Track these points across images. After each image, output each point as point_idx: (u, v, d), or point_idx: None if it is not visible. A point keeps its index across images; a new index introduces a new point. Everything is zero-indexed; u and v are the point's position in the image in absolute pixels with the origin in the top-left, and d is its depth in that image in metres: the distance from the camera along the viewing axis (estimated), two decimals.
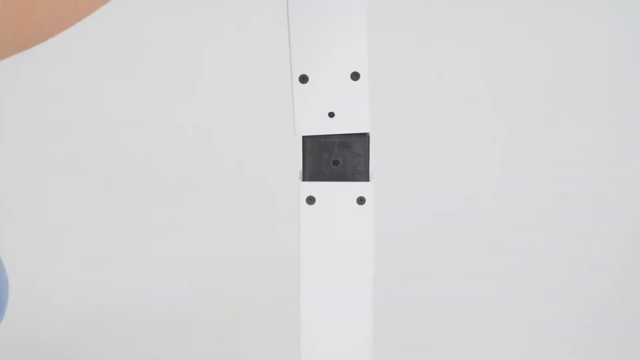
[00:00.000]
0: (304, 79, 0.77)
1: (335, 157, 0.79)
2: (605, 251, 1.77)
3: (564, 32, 1.85)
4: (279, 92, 1.53)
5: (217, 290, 1.71)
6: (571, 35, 1.85)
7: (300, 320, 0.81)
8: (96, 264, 1.77)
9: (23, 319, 1.63)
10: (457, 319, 1.66)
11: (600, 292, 1.71)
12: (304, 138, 0.79)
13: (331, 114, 0.78)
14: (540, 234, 1.80)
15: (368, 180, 0.79)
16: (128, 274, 1.75)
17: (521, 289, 1.72)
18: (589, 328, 1.64)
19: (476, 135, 1.86)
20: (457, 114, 1.85)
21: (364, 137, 0.79)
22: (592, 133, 1.85)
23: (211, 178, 1.84)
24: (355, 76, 0.77)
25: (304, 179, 0.79)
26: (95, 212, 1.83)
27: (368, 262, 0.80)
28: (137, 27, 1.82)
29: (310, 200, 0.79)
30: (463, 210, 1.82)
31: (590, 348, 1.59)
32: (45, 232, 1.82)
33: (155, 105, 1.86)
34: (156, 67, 1.86)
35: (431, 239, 1.80)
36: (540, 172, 1.84)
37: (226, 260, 1.77)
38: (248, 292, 1.71)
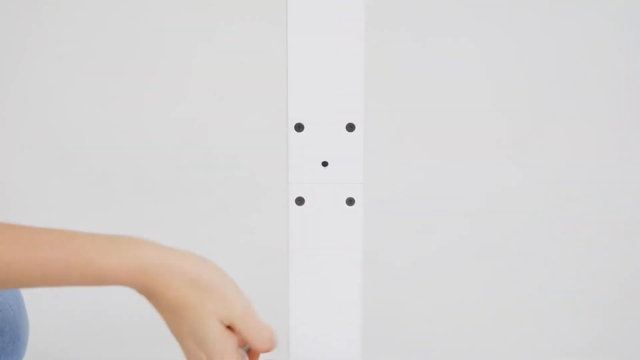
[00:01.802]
0: (299, 127, 0.77)
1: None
2: (608, 252, 1.77)
3: (565, 32, 1.84)
4: (274, 91, 1.53)
5: None
6: (572, 35, 1.84)
7: (289, 319, 0.81)
8: None
9: None
10: (457, 321, 1.65)
11: (602, 293, 1.71)
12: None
13: (325, 163, 0.78)
14: (542, 235, 1.79)
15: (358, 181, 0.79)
16: None
17: (521, 290, 1.72)
18: (591, 330, 1.63)
19: (476, 136, 1.85)
20: (457, 114, 1.85)
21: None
22: (595, 133, 1.84)
23: (204, 177, 1.83)
24: (350, 127, 0.77)
25: (293, 180, 0.79)
26: (88, 210, 1.83)
27: (357, 262, 0.80)
28: (129, 26, 1.81)
29: (300, 201, 0.79)
30: (463, 211, 1.82)
31: (591, 349, 1.59)
32: None
33: (147, 105, 1.86)
34: (148, 66, 1.85)
35: (431, 240, 1.79)
36: (542, 172, 1.83)
37: (225, 260, 1.76)
38: (246, 292, 1.71)
